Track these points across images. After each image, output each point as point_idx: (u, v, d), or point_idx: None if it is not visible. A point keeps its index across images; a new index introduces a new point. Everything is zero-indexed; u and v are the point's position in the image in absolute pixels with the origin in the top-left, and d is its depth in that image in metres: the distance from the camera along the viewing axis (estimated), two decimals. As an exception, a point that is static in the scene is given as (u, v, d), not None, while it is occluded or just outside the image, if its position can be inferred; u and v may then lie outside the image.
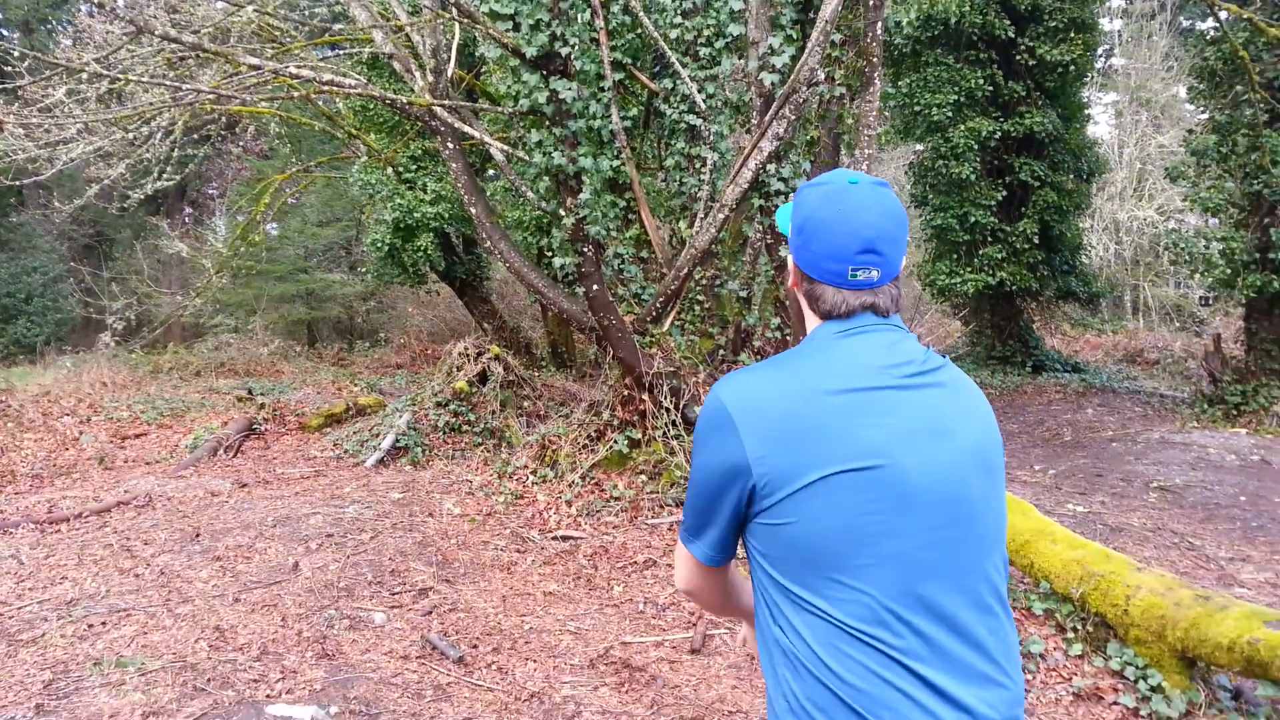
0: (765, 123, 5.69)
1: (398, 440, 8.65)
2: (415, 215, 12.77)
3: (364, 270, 17.79)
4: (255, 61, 6.02)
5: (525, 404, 10.36)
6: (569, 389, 11.17)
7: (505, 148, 6.44)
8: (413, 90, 6.81)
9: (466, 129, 6.36)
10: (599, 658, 4.20)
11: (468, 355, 10.20)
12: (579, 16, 5.64)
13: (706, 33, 6.69)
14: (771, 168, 5.96)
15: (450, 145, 6.67)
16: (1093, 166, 14.37)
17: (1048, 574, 4.28)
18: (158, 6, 7.45)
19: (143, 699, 3.56)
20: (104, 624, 4.32)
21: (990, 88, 12.75)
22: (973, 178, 12.85)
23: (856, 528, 1.26)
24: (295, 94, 6.86)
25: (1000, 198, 13.05)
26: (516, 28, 5.74)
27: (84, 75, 8.13)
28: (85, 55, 7.83)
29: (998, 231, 13.14)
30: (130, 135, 9.93)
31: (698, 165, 7.60)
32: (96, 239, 24.12)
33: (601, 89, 6.07)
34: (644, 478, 6.51)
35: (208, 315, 19.91)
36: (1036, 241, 13.07)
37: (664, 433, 6.50)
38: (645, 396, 6.62)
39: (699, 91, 6.96)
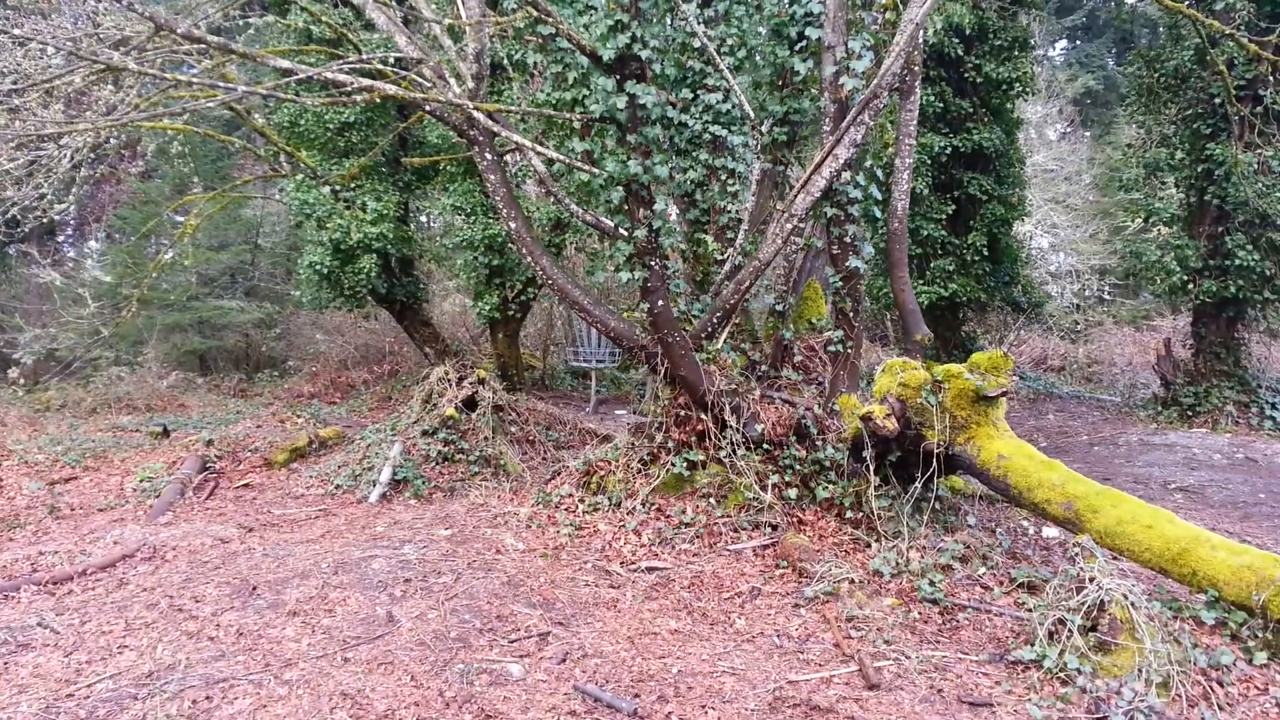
0: (843, 129, 5.52)
1: (395, 473, 8.07)
2: (355, 237, 12.08)
3: (294, 291, 16.69)
4: (288, 65, 5.46)
5: (512, 429, 9.86)
6: (551, 412, 10.71)
7: (557, 155, 6.05)
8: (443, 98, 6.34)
9: (516, 138, 5.96)
10: (777, 700, 3.88)
11: (449, 380, 9.65)
12: (656, 18, 5.35)
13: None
14: (846, 175, 5.79)
15: (489, 156, 6.25)
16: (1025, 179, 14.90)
17: (1214, 582, 4.21)
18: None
19: (318, 787, 3.04)
20: (208, 698, 3.73)
21: (941, 104, 13.03)
22: (925, 192, 13.10)
23: None
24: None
25: (950, 211, 13.33)
26: (587, 29, 5.41)
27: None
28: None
29: (947, 244, 13.42)
30: (34, 155, 9.04)
31: (722, 177, 7.39)
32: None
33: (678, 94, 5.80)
34: (709, 501, 6.21)
35: (82, 350, 18.43)
36: (985, 253, 13.41)
37: (728, 453, 6.21)
38: (704, 416, 6.32)
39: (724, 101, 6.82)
